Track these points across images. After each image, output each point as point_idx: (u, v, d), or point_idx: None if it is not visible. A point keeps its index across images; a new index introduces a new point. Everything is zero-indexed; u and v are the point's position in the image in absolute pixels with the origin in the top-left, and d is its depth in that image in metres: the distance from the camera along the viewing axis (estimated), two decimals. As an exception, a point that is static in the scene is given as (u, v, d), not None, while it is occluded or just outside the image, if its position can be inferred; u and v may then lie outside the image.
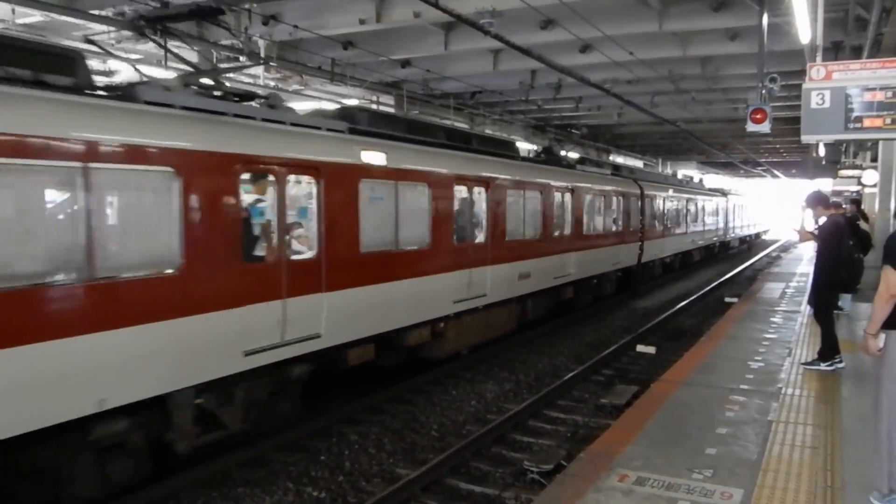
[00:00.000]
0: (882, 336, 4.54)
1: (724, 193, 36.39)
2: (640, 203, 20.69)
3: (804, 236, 9.47)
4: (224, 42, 14.39)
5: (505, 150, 13.73)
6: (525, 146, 20.70)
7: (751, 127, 10.71)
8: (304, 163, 7.85)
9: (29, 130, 5.28)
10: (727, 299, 18.31)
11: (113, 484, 6.24)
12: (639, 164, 36.97)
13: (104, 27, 13.01)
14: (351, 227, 8.50)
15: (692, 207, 28.13)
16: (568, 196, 15.31)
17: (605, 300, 18.65)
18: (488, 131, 23.25)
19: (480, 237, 11.70)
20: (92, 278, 5.67)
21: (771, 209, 59.96)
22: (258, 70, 14.03)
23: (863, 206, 17.84)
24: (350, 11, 13.61)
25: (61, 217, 5.65)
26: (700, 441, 6.00)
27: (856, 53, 13.47)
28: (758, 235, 53.00)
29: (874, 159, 20.51)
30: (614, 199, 18.55)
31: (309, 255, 8.02)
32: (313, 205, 8.05)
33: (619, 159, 32.34)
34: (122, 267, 5.97)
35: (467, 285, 11.10)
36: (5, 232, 5.20)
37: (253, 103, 8.01)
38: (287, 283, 7.50)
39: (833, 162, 27.33)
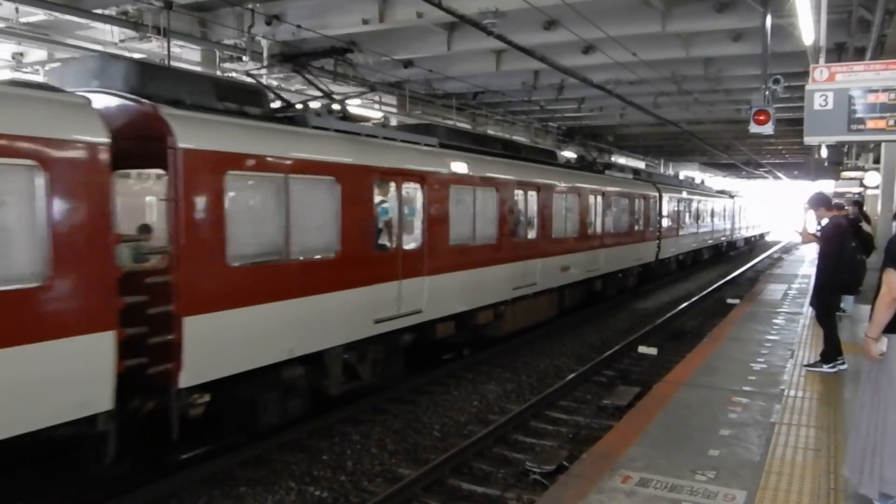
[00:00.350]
0: (884, 340, 4.51)
1: (730, 195, 36.80)
2: (657, 204, 22.26)
3: (806, 238, 9.43)
4: (227, 41, 14.43)
5: (548, 158, 15.95)
6: (563, 154, 21.91)
7: (754, 128, 10.72)
8: (414, 172, 9.78)
9: (263, 152, 7.28)
10: (729, 301, 18.30)
11: (288, 416, 8.00)
12: (641, 164, 36.91)
13: (107, 26, 13.04)
14: (445, 224, 10.48)
15: (703, 208, 29.60)
16: (599, 198, 16.95)
17: (627, 293, 20.24)
18: (490, 132, 23.26)
19: (532, 234, 13.49)
20: (289, 259, 7.53)
21: (773, 210, 59.97)
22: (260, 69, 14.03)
23: (865, 208, 17.83)
24: (353, 11, 13.62)
25: (274, 214, 7.42)
26: (703, 442, 5.99)
27: (859, 55, 13.47)
28: (761, 236, 53.02)
29: (877, 161, 20.52)
30: (636, 200, 20.16)
31: (415, 246, 9.83)
32: (419, 206, 9.97)
33: (622, 160, 32.31)
34: (307, 251, 7.89)
35: (522, 275, 12.87)
36: (251, 225, 7.23)
37: (370, 123, 10.59)
38: (402, 267, 9.41)
39: (835, 163, 27.32)
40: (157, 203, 7.56)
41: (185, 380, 6.42)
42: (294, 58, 9.79)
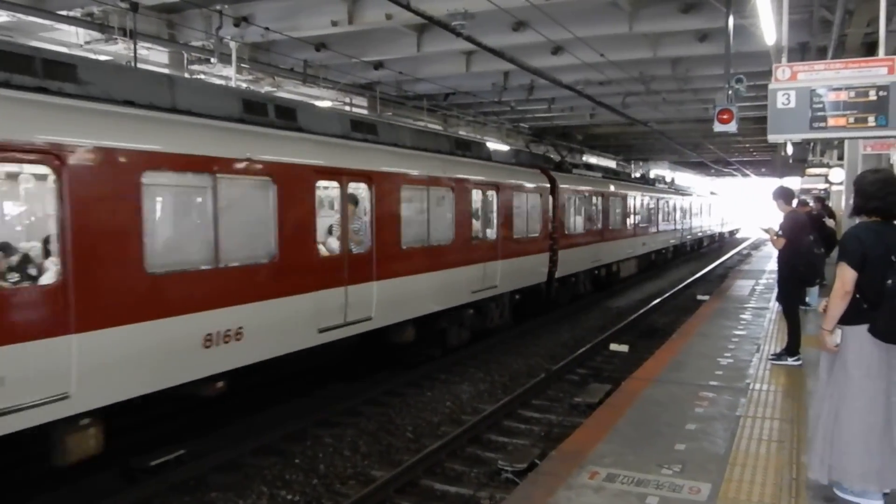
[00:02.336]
0: (838, 332, 4.64)
1: (681, 192, 35.96)
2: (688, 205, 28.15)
3: (777, 243, 8.74)
4: (195, 43, 14.31)
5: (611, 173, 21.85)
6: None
7: (718, 127, 10.87)
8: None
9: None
10: (699, 297, 18.55)
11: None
12: (612, 164, 37.23)
13: (72, 28, 12.87)
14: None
15: (687, 206, 33.52)
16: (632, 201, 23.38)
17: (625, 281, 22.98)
18: (462, 132, 23.31)
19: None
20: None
21: (741, 207, 60.86)
22: (230, 71, 13.93)
23: (830, 204, 18.16)
24: (322, 13, 13.58)
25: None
26: (670, 437, 6.08)
27: (821, 54, 13.72)
28: (731, 233, 53.76)
29: (841, 158, 20.90)
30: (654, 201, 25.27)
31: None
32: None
33: (593, 160, 32.55)
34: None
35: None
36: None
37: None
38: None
39: (801, 160, 27.80)
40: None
41: None
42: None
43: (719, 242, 47.34)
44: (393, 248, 10.03)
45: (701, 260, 34.14)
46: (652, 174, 35.69)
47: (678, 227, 32.19)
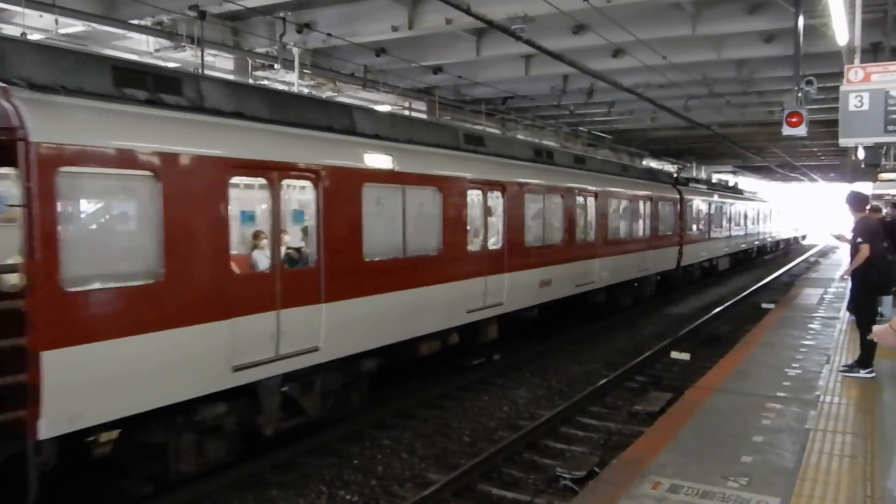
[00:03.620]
0: None
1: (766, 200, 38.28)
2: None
3: (861, 251, 8.12)
4: (259, 50, 14.64)
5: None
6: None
7: (787, 130, 10.58)
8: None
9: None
10: (763, 305, 18.02)
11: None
12: (672, 168, 36.59)
13: (142, 36, 13.33)
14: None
15: (762, 212, 35.36)
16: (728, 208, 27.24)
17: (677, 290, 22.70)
18: (520, 136, 23.23)
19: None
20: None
21: (808, 213, 58.95)
22: (292, 77, 14.21)
23: (904, 210, 17.39)
24: (383, 19, 13.73)
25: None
26: (735, 449, 5.92)
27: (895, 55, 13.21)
28: (796, 240, 52.20)
29: (916, 162, 20.05)
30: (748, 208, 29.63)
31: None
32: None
33: (653, 163, 32.04)
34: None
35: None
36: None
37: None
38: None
39: (873, 165, 26.72)
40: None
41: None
42: None
43: (785, 249, 45.94)
44: (603, 240, 15.34)
45: (765, 267, 33.18)
46: (714, 179, 34.99)
47: (760, 230, 35.85)
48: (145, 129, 6.10)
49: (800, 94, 10.67)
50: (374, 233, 8.49)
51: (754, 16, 13.24)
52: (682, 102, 20.58)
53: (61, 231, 5.33)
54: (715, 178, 36.39)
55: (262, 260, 7.44)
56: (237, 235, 7.61)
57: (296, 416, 7.75)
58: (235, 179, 7.03)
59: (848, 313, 10.35)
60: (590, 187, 14.68)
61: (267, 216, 7.36)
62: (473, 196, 10.83)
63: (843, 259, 27.00)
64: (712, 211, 25.19)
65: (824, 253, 40.36)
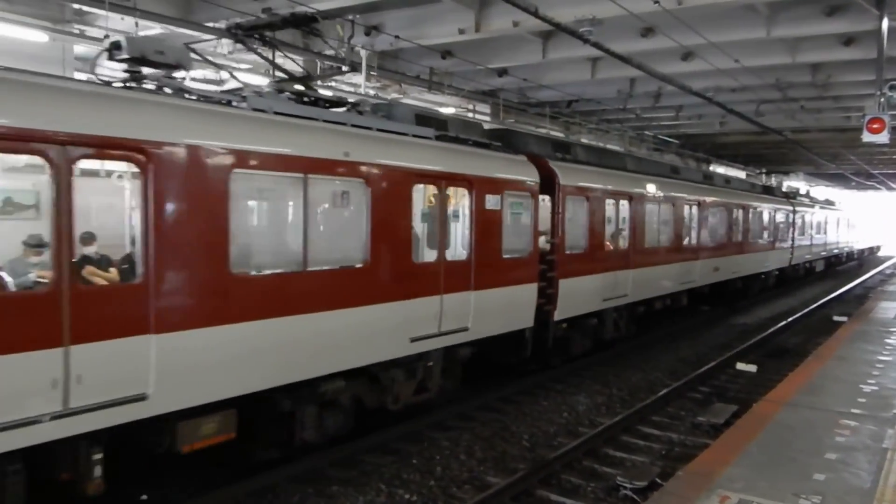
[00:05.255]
0: None
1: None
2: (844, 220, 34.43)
3: None
4: (327, 52, 14.87)
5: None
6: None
7: (867, 137, 10.19)
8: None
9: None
10: (836, 318, 17.38)
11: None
12: (741, 174, 35.63)
13: (210, 37, 13.70)
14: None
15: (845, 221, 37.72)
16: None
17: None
18: (584, 139, 22.99)
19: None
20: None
21: (885, 223, 56.58)
22: (359, 79, 14.39)
23: None
24: (449, 21, 13.76)
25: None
26: (806, 465, 5.72)
27: None
28: (871, 250, 50.20)
29: None
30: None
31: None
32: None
33: (720, 169, 31.28)
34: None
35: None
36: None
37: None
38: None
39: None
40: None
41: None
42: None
43: (859, 260, 44.16)
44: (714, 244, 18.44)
45: (837, 278, 31.98)
46: (784, 187, 33.94)
47: (844, 238, 38.47)
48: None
49: (882, 100, 10.26)
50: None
51: (833, 18, 12.74)
52: (754, 107, 20.00)
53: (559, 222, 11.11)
54: (785, 185, 35.22)
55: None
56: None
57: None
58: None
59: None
60: (748, 203, 21.32)
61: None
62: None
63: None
64: (814, 220, 29.97)
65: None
